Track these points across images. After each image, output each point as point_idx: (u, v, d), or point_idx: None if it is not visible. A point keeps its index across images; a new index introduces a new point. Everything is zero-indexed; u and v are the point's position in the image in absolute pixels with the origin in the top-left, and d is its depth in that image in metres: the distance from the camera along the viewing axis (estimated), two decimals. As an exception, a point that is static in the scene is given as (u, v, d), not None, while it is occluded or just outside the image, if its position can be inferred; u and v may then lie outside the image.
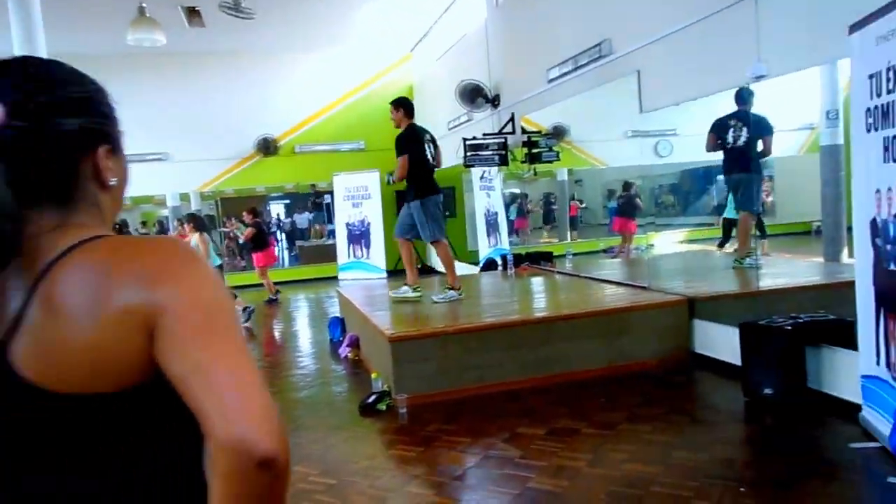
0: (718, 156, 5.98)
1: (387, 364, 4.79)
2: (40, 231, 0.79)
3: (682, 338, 5.11)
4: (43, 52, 7.89)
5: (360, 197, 12.69)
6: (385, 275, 12.47)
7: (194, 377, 0.72)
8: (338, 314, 7.59)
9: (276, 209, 23.48)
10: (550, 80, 7.11)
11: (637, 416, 4.04)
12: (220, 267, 9.18)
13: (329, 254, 14.22)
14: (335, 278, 13.05)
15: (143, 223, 20.41)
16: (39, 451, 0.77)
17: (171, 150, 12.41)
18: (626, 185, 10.01)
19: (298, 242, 18.26)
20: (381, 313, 5.58)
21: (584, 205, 13.29)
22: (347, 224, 12.85)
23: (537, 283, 7.39)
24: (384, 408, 4.61)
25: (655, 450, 3.54)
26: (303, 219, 20.94)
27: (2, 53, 0.89)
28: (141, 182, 12.44)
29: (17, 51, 7.67)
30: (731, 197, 6.60)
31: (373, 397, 4.70)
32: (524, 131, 8.19)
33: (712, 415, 4.17)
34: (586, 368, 4.88)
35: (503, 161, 8.27)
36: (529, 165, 8.28)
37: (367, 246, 12.67)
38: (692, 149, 7.37)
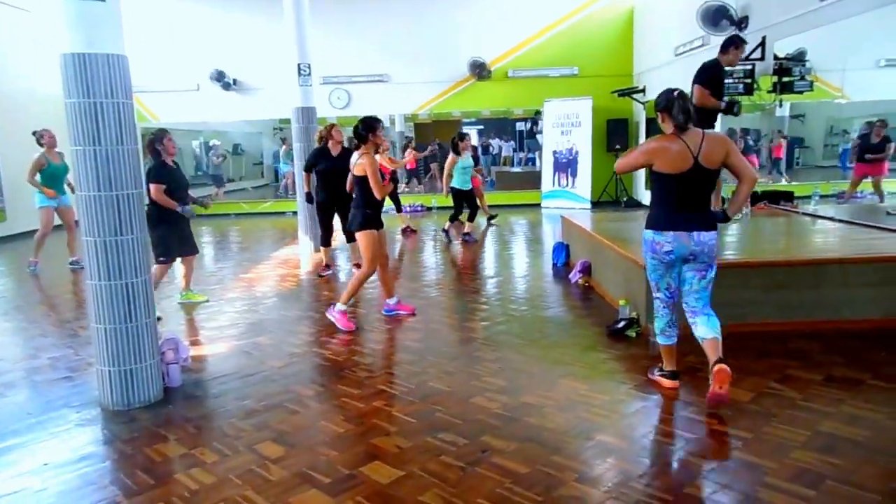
0: None
1: (638, 293, 4.80)
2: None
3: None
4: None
5: (569, 125, 12.51)
6: (589, 205, 12.33)
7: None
8: (560, 240, 7.68)
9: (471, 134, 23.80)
10: (824, -1, 6.37)
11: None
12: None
13: (528, 181, 14.30)
14: (535, 205, 13.16)
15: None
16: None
17: (392, 72, 12.98)
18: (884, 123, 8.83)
19: (494, 168, 18.47)
20: (622, 242, 5.55)
21: (803, 143, 11.96)
22: (554, 152, 12.77)
23: (782, 223, 6.88)
24: (633, 335, 4.67)
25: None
26: (496, 144, 21.06)
27: None
28: (361, 103, 13.27)
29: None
30: None
31: (622, 323, 4.76)
32: (776, 58, 7.48)
33: None
34: (859, 318, 4.55)
35: (748, 91, 7.65)
36: (777, 96, 7.60)
37: (574, 175, 12.55)
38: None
